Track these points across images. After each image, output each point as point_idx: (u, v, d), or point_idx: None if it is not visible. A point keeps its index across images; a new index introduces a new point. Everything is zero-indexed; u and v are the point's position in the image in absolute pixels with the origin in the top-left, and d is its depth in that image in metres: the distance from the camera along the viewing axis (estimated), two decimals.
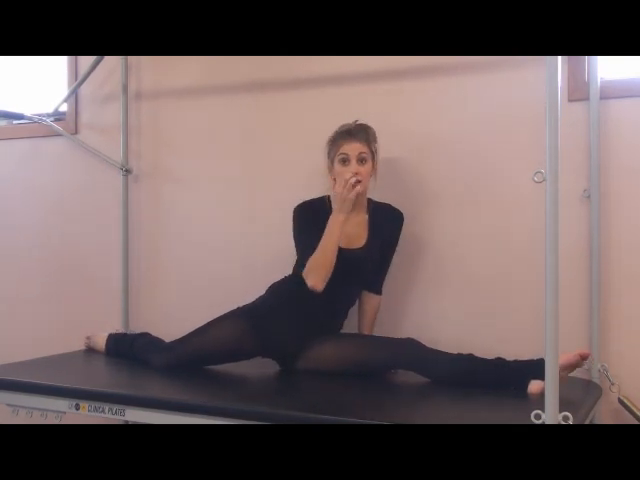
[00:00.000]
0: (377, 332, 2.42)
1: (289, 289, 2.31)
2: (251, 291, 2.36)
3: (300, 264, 2.25)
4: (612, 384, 2.18)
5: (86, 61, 2.91)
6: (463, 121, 2.42)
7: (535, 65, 2.00)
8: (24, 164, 3.19)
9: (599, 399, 2.12)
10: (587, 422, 1.88)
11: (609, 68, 2.29)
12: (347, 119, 2.29)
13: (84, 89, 3.01)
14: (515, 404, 1.87)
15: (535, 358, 1.97)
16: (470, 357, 2.08)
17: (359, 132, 2.24)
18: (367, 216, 2.33)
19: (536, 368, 1.78)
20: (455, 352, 2.10)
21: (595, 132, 2.21)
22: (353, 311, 2.42)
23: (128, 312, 2.94)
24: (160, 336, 2.53)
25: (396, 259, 2.41)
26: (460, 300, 2.42)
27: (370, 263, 2.32)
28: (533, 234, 2.24)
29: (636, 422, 2.11)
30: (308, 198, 2.34)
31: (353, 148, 2.22)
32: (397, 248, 2.40)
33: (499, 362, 2.06)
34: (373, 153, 2.27)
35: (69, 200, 3.08)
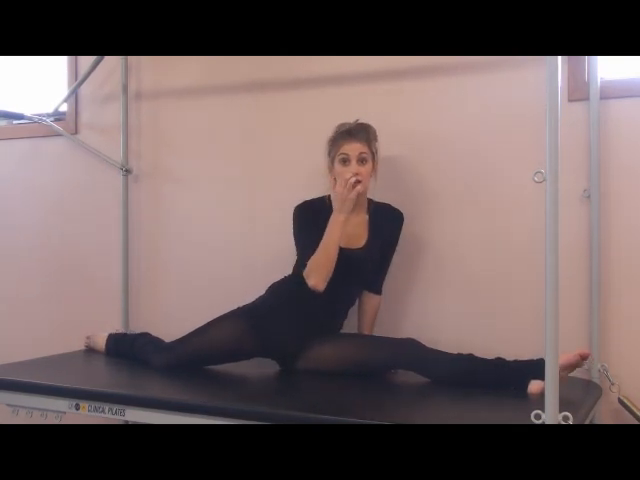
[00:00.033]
0: (377, 332, 2.42)
1: (289, 289, 2.31)
2: (251, 291, 2.36)
3: (300, 264, 2.25)
4: (612, 384, 2.18)
5: (86, 61, 2.91)
6: (463, 121, 2.42)
7: (535, 65, 2.00)
8: (24, 164, 3.19)
9: (599, 399, 2.12)
10: (587, 422, 1.88)
11: (609, 68, 2.29)
12: (347, 119, 2.29)
13: (84, 89, 3.01)
14: (515, 404, 1.87)
15: (535, 358, 1.97)
16: (470, 357, 2.08)
17: (359, 132, 2.24)
18: (367, 216, 2.33)
19: (536, 368, 1.78)
20: (455, 352, 2.10)
21: (595, 132, 2.21)
22: (353, 311, 2.42)
23: (128, 312, 2.94)
24: (160, 336, 2.53)
25: (396, 259, 2.41)
26: (460, 300, 2.42)
27: (370, 263, 2.32)
28: (533, 234, 2.24)
29: (636, 422, 2.11)
30: (308, 198, 2.34)
31: (353, 148, 2.22)
32: (397, 248, 2.40)
33: (499, 362, 2.06)
34: (373, 153, 2.26)
35: (69, 200, 3.08)
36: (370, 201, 2.35)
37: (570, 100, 2.26)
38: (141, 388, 2.17)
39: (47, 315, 3.11)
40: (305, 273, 2.20)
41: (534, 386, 1.94)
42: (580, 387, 2.11)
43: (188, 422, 1.86)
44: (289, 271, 2.36)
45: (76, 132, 3.06)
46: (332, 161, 2.27)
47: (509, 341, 2.29)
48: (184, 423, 1.86)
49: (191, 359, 2.30)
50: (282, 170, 2.68)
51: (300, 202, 2.33)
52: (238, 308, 2.34)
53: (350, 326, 2.42)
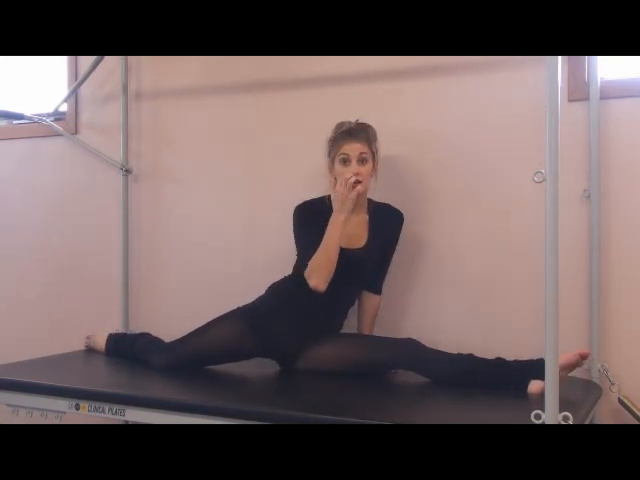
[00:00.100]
0: (377, 332, 2.42)
1: (289, 289, 2.32)
2: (251, 291, 2.36)
3: (301, 264, 2.25)
4: (612, 384, 2.18)
5: (86, 61, 2.91)
6: (463, 121, 2.42)
7: (535, 65, 2.00)
8: (24, 164, 3.19)
9: (599, 399, 2.12)
10: (587, 422, 1.88)
11: (609, 68, 2.29)
12: (347, 119, 2.29)
13: (84, 89, 3.01)
14: (515, 404, 1.87)
15: (535, 358, 1.97)
16: (470, 357, 2.08)
17: (360, 132, 2.24)
18: (367, 216, 2.33)
19: (536, 368, 1.78)
20: (455, 352, 2.10)
21: (595, 132, 2.21)
22: (353, 311, 2.42)
23: (128, 312, 2.94)
24: (160, 336, 2.53)
25: (396, 259, 2.42)
26: (460, 300, 2.42)
27: (370, 263, 2.32)
28: (533, 234, 2.24)
29: (636, 422, 2.11)
30: (308, 198, 2.34)
31: (354, 148, 2.22)
32: (397, 248, 2.40)
33: (499, 362, 2.06)
34: (374, 153, 2.26)
35: (69, 200, 3.08)
36: (370, 201, 2.35)
37: (570, 100, 2.26)
38: (141, 388, 2.17)
39: (47, 315, 3.11)
40: (306, 274, 2.20)
41: (534, 386, 1.94)
42: (580, 387, 2.11)
43: (188, 422, 1.86)
44: (289, 271, 2.36)
45: (76, 132, 3.06)
46: (332, 161, 2.27)
47: (509, 341, 2.29)
48: (184, 423, 1.86)
49: (191, 359, 2.30)
50: (282, 170, 2.68)
51: (300, 202, 2.33)
52: (238, 308, 2.34)
53: (350, 326, 2.42)
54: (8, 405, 2.15)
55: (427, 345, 2.14)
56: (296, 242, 2.31)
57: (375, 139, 2.27)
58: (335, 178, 2.25)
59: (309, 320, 2.26)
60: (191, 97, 2.84)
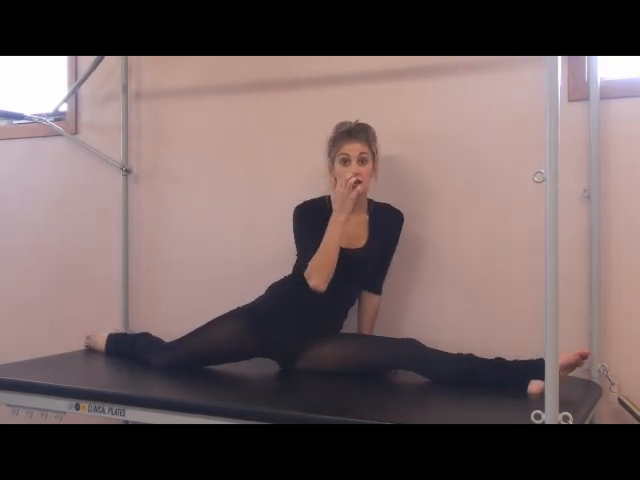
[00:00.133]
0: (377, 332, 2.42)
1: (289, 289, 2.32)
2: (251, 291, 2.36)
3: (301, 264, 2.25)
4: (612, 384, 2.18)
5: (86, 61, 2.91)
6: (463, 121, 2.42)
7: (535, 65, 2.00)
8: (24, 164, 3.19)
9: (599, 399, 2.12)
10: (587, 422, 1.88)
11: (609, 68, 2.29)
12: (347, 119, 2.29)
13: (84, 89, 3.01)
14: (515, 404, 1.87)
15: (535, 358, 1.97)
16: (470, 357, 2.08)
17: (360, 132, 2.24)
18: (367, 216, 2.33)
19: (536, 368, 1.78)
20: (455, 352, 2.10)
21: (595, 132, 2.21)
22: (353, 311, 2.42)
23: (128, 312, 2.94)
24: (160, 336, 2.53)
25: (396, 259, 2.41)
26: (460, 300, 2.42)
27: (370, 263, 2.32)
28: (533, 234, 2.24)
29: (636, 422, 2.11)
30: (308, 198, 2.34)
31: (354, 148, 2.22)
32: (397, 248, 2.40)
33: (499, 362, 2.06)
34: (374, 153, 2.26)
35: (69, 200, 3.08)
36: (370, 201, 2.35)
37: (570, 100, 2.26)
38: (141, 388, 2.17)
39: (47, 315, 3.11)
40: (306, 274, 2.20)
41: (534, 386, 1.94)
42: (580, 387, 2.11)
43: (188, 422, 1.86)
44: (289, 271, 2.36)
45: (76, 132, 3.06)
46: (332, 161, 2.27)
47: (509, 341, 2.29)
48: (184, 423, 1.86)
49: (191, 359, 2.30)
50: (282, 170, 2.68)
51: (300, 202, 2.33)
52: (238, 308, 2.34)
53: (350, 326, 2.42)
54: (8, 405, 2.15)
55: (427, 345, 2.14)
56: (296, 242, 2.31)
57: (375, 139, 2.27)
58: (335, 178, 2.25)
59: (309, 320, 2.26)
60: (191, 97, 2.84)
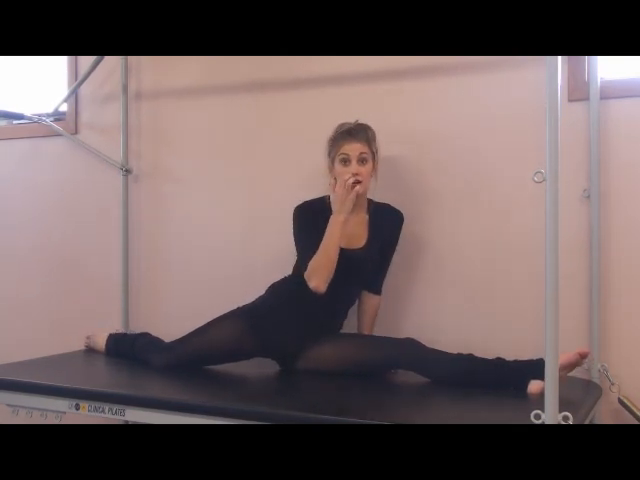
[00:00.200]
0: (377, 332, 2.42)
1: (289, 289, 2.32)
2: (251, 291, 2.36)
3: (301, 265, 2.25)
4: (612, 384, 2.18)
5: (86, 61, 2.91)
6: (463, 121, 2.41)
7: (535, 65, 1.99)
8: (24, 164, 3.19)
9: (599, 399, 2.12)
10: (587, 422, 1.88)
11: (609, 68, 2.29)
12: (347, 119, 2.29)
13: (84, 89, 3.01)
14: (515, 404, 1.87)
15: (535, 358, 1.97)
16: (470, 357, 2.08)
17: (359, 132, 2.24)
18: (367, 216, 2.33)
19: (536, 368, 1.78)
20: (455, 352, 2.10)
21: (595, 132, 2.21)
22: (353, 311, 2.42)
23: (128, 312, 2.94)
24: (160, 336, 2.53)
25: (396, 259, 2.41)
26: (460, 300, 2.42)
27: (370, 263, 2.32)
28: (533, 234, 2.24)
29: (636, 422, 2.11)
30: (308, 198, 2.34)
31: (354, 148, 2.22)
32: (397, 248, 2.40)
33: (499, 362, 2.06)
34: (373, 153, 2.26)
35: (69, 200, 3.08)
36: (370, 201, 2.35)
37: (570, 100, 2.26)
38: (141, 388, 2.17)
39: (47, 315, 3.11)
40: (306, 275, 2.20)
41: (534, 386, 1.94)
42: (580, 387, 2.11)
43: (188, 422, 1.86)
44: (289, 271, 2.36)
45: (76, 132, 3.06)
46: (332, 161, 2.27)
47: (509, 341, 2.29)
48: (184, 423, 1.86)
49: (191, 359, 2.30)
50: (282, 170, 2.68)
51: (300, 202, 2.33)
52: (238, 308, 2.34)
53: (350, 326, 2.42)
54: (8, 405, 2.15)
55: (427, 345, 2.14)
56: (296, 243, 2.31)
57: (374, 139, 2.27)
58: (335, 179, 2.25)
59: (309, 320, 2.26)
60: (191, 97, 2.84)
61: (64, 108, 3.07)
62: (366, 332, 2.42)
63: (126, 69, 2.93)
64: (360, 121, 2.27)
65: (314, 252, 2.18)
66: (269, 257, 2.66)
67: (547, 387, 1.43)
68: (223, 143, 2.79)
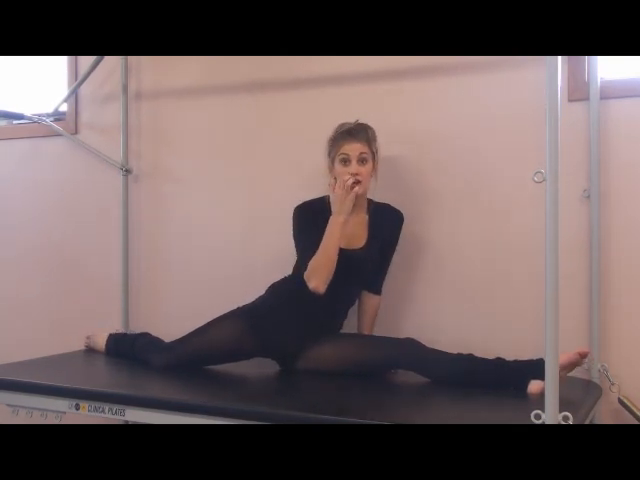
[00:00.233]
0: (377, 332, 2.42)
1: (289, 289, 2.31)
2: (251, 291, 2.36)
3: (300, 265, 2.25)
4: (612, 384, 2.18)
5: (86, 61, 2.91)
6: (463, 121, 2.41)
7: (535, 65, 1.99)
8: (24, 164, 3.19)
9: (599, 399, 2.12)
10: (587, 422, 1.88)
11: (609, 68, 2.29)
12: (347, 119, 2.29)
13: (84, 89, 3.01)
14: (515, 404, 1.87)
15: (535, 358, 1.97)
16: (470, 357, 2.08)
17: (360, 132, 2.24)
18: (367, 216, 2.33)
19: (536, 368, 1.78)
20: (455, 352, 2.10)
21: (595, 132, 2.21)
22: (353, 311, 2.42)
23: (128, 312, 2.94)
24: (160, 336, 2.53)
25: (396, 259, 2.41)
26: (460, 300, 2.42)
27: (370, 263, 2.32)
28: (533, 234, 2.24)
29: (636, 422, 2.11)
30: (308, 198, 2.34)
31: (354, 148, 2.22)
32: (397, 248, 2.40)
33: (499, 362, 2.06)
34: (374, 153, 2.26)
35: (69, 200, 3.08)
36: (370, 201, 2.35)
37: (570, 100, 2.26)
38: (141, 388, 2.17)
39: (47, 315, 3.11)
40: (306, 275, 2.20)
41: (534, 386, 1.94)
42: (580, 387, 2.11)
43: (188, 422, 1.86)
44: (289, 271, 2.36)
45: (76, 132, 3.06)
46: (332, 161, 2.27)
47: (509, 341, 2.29)
48: (184, 423, 1.86)
49: (191, 359, 2.30)
50: (282, 170, 2.68)
51: (300, 202, 2.33)
52: (238, 308, 2.34)
53: (350, 326, 2.42)
54: (8, 405, 2.15)
55: (427, 345, 2.14)
56: (296, 243, 2.31)
57: (375, 139, 2.27)
58: (335, 179, 2.25)
59: (309, 320, 2.26)
60: (191, 97, 2.84)
61: (64, 108, 3.07)
62: (366, 332, 2.42)
63: (126, 69, 2.93)
64: (360, 121, 2.27)
65: (314, 252, 2.18)
66: (269, 257, 2.66)
67: (547, 387, 1.43)
68: (223, 143, 2.79)
